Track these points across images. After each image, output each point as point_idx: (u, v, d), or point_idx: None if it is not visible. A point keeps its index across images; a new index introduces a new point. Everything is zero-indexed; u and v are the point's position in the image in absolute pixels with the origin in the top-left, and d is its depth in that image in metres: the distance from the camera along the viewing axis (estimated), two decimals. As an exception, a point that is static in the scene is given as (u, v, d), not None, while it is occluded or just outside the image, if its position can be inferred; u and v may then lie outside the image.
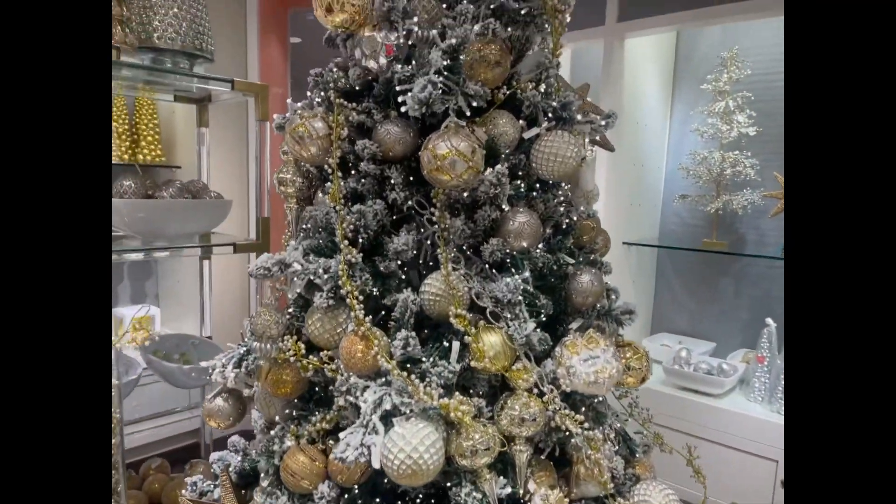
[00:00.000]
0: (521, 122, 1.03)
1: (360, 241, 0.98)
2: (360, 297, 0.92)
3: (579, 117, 1.03)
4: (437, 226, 0.97)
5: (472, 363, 0.89)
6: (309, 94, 1.09)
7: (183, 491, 1.16)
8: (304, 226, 1.12)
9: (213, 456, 1.21)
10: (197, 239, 1.57)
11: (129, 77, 1.47)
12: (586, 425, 0.90)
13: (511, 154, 1.01)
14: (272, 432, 1.02)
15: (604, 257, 1.22)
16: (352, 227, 0.97)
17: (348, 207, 0.99)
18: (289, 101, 1.09)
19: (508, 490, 0.88)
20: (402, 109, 0.92)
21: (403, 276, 1.01)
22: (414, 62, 0.96)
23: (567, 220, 1.06)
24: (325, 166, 1.00)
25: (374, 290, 0.97)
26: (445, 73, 0.93)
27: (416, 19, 0.97)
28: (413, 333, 0.90)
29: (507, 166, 0.99)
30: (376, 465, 0.81)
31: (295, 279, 0.94)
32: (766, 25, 2.64)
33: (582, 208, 1.07)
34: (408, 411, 0.84)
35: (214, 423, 1.09)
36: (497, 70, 0.93)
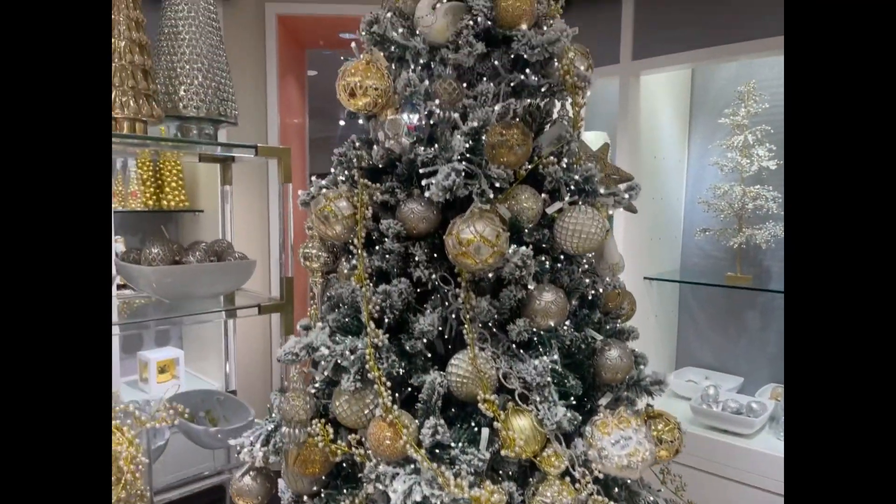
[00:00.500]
0: (543, 195, 1.03)
1: (386, 320, 0.99)
2: (388, 383, 0.92)
3: (602, 190, 1.03)
4: (462, 305, 0.97)
5: (503, 451, 0.88)
6: (333, 170, 1.11)
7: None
8: (329, 295, 1.13)
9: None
10: (222, 299, 1.59)
11: (155, 148, 1.51)
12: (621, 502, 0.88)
13: (534, 229, 1.01)
14: (301, 514, 1.02)
15: (629, 320, 1.21)
16: (378, 307, 0.97)
17: (373, 287, 0.99)
18: (313, 178, 1.10)
19: (542, 580, 0.86)
20: (427, 194, 0.93)
21: (429, 355, 1.00)
22: (436, 144, 0.97)
23: (593, 292, 1.05)
24: (350, 245, 1.01)
25: (400, 370, 0.96)
26: (468, 155, 0.94)
27: (437, 101, 0.98)
28: (441, 421, 0.89)
29: (532, 241, 0.99)
30: (408, 562, 0.80)
31: (321, 362, 0.95)
32: (782, 60, 2.63)
33: (608, 279, 1.06)
34: (438, 503, 0.83)
35: (243, 503, 1.09)
36: (519, 152, 0.94)
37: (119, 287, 2.50)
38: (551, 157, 1.02)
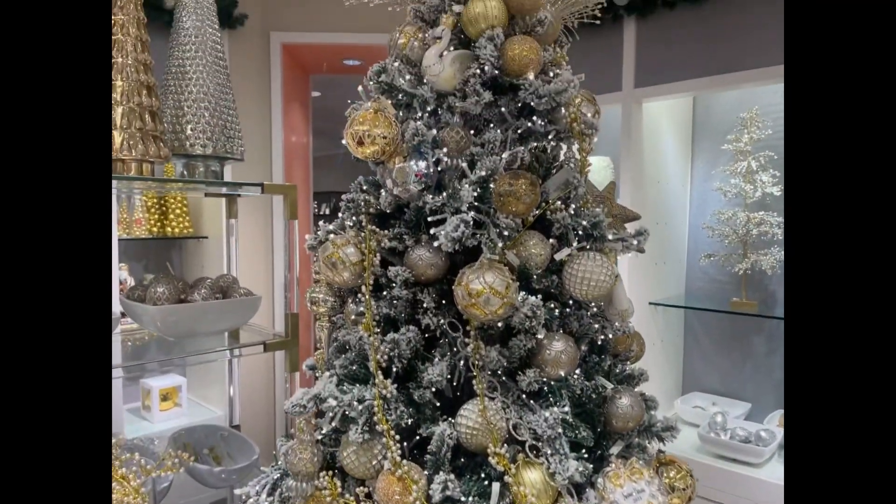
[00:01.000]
0: (551, 241, 1.03)
1: (394, 369, 0.98)
2: (396, 436, 0.91)
3: (609, 236, 1.03)
4: (471, 353, 0.97)
5: (514, 507, 0.87)
6: (341, 215, 1.11)
7: None
8: (336, 336, 1.13)
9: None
10: (227, 335, 1.58)
11: (162, 189, 1.51)
12: (635, 570, 0.87)
13: (543, 275, 1.00)
14: (308, 566, 1.00)
15: (639, 360, 1.20)
16: (385, 356, 0.97)
17: (381, 334, 0.98)
18: (321, 223, 1.10)
19: None
20: (435, 244, 0.92)
21: (437, 404, 1.00)
22: (444, 192, 0.97)
23: (602, 337, 1.04)
24: (359, 293, 1.01)
25: (408, 421, 0.96)
26: (476, 204, 0.94)
27: (445, 149, 0.98)
28: (451, 476, 0.88)
29: (541, 288, 0.98)
30: None
31: (329, 413, 0.94)
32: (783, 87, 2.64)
33: (617, 325, 1.06)
34: (449, 562, 0.82)
35: (250, 553, 1.07)
36: (527, 201, 0.94)
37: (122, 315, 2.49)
38: (559, 203, 1.02)
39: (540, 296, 0.95)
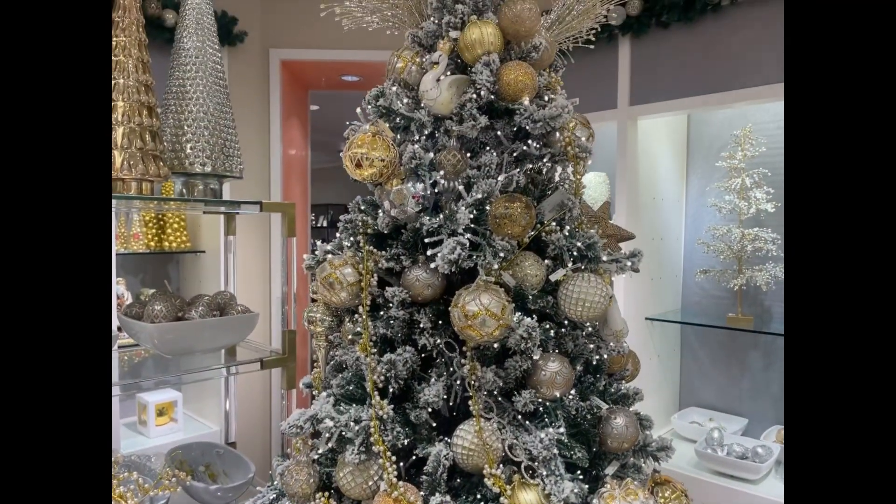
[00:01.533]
0: (546, 261, 1.04)
1: (391, 389, 0.99)
2: (393, 457, 0.91)
3: (604, 257, 1.04)
4: (467, 374, 0.97)
5: (510, 530, 0.87)
6: (339, 235, 1.12)
7: None
8: (333, 354, 1.13)
9: None
10: (223, 353, 1.58)
11: (161, 208, 1.52)
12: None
13: (538, 296, 1.02)
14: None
15: (633, 379, 1.21)
16: (382, 377, 0.97)
17: (378, 355, 0.99)
18: (319, 242, 1.11)
19: None
20: (432, 265, 0.94)
21: (434, 424, 1.00)
22: (441, 214, 0.98)
23: (597, 357, 1.05)
24: (355, 313, 1.02)
25: (405, 442, 0.96)
26: (473, 226, 0.95)
27: (441, 172, 1.00)
28: (447, 497, 0.88)
29: (536, 308, 0.99)
30: None
31: (325, 434, 0.94)
32: (779, 104, 2.68)
33: (612, 345, 1.07)
34: (445, 584, 0.82)
35: (245, 574, 1.07)
36: (523, 223, 0.95)
37: (119, 330, 2.49)
38: (554, 224, 1.04)
39: (535, 316, 0.96)
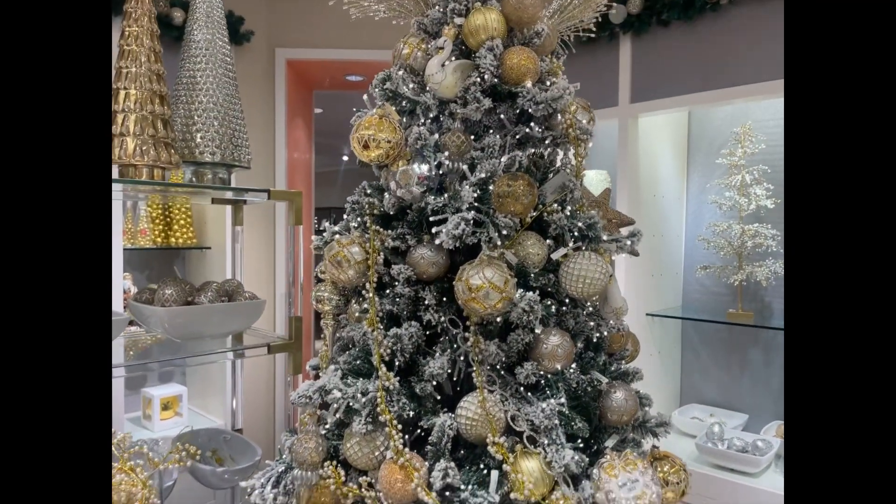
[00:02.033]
0: (548, 241, 1.07)
1: (397, 362, 1.01)
2: (398, 425, 0.94)
3: (604, 237, 1.07)
4: (470, 348, 1.00)
5: (512, 494, 0.90)
6: (346, 216, 1.15)
7: None
8: (340, 336, 1.16)
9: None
10: (230, 339, 1.61)
11: (172, 193, 1.56)
12: (629, 555, 0.89)
13: (540, 274, 1.04)
14: (311, 557, 1.03)
15: (634, 360, 1.24)
16: (388, 350, 1.00)
17: (384, 330, 1.02)
18: (327, 223, 1.15)
19: None
20: (437, 241, 0.97)
21: (438, 397, 1.03)
22: (446, 193, 1.01)
23: (597, 335, 1.08)
24: (362, 290, 1.05)
25: (410, 413, 0.99)
26: (476, 204, 0.98)
27: (446, 153, 1.03)
28: (451, 463, 0.91)
29: (538, 286, 1.02)
30: None
31: (333, 405, 0.97)
32: (778, 102, 2.71)
33: (612, 323, 1.10)
34: (449, 546, 0.85)
35: (254, 545, 1.10)
36: (525, 201, 0.98)
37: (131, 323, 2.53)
38: (555, 205, 1.07)
39: (537, 292, 0.99)
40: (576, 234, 1.07)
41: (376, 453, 0.98)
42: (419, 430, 1.03)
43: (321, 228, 1.18)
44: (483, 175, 0.99)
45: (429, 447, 0.96)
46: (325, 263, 1.09)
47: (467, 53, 1.10)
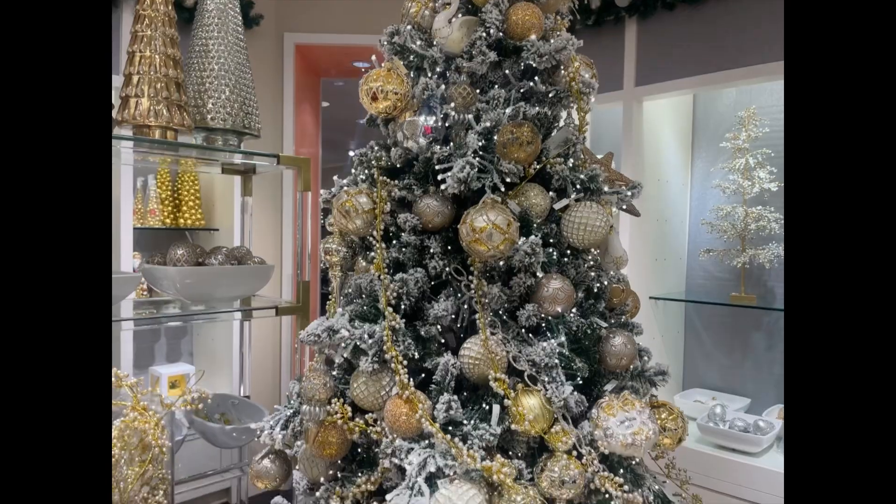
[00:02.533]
0: (551, 193, 1.10)
1: (403, 307, 1.04)
2: (404, 362, 0.97)
3: (606, 188, 1.10)
4: (474, 293, 1.03)
5: (513, 426, 0.93)
6: (354, 171, 1.18)
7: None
8: (347, 290, 1.19)
9: (257, 517, 1.24)
10: (239, 303, 1.65)
11: (186, 153, 1.60)
12: (626, 487, 0.92)
13: (543, 223, 1.07)
14: (317, 493, 1.06)
15: (634, 318, 1.26)
16: (395, 294, 1.03)
17: (391, 275, 1.05)
18: (335, 177, 1.18)
19: (551, 553, 0.89)
20: (442, 187, 1.00)
21: (443, 341, 1.06)
22: (451, 143, 1.04)
23: (598, 285, 1.10)
24: (369, 237, 1.08)
25: (416, 353, 1.02)
26: (481, 153, 1.01)
27: (452, 104, 1.06)
28: (455, 397, 0.94)
29: (540, 235, 1.05)
30: (423, 527, 0.84)
31: (341, 344, 1.00)
32: (782, 85, 2.73)
33: (612, 273, 1.12)
34: (451, 473, 0.88)
35: (262, 484, 1.13)
36: (529, 149, 1.01)
37: (147, 291, 2.57)
38: (558, 158, 1.10)
39: (540, 240, 1.02)
40: (578, 186, 1.10)
41: (382, 393, 1.01)
42: (423, 375, 1.06)
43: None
44: (488, 124, 1.02)
45: (433, 386, 0.99)
46: (334, 213, 1.12)
47: (473, 11, 1.13)
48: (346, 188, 1.11)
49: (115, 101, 1.44)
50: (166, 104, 1.41)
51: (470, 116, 1.04)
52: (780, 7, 2.33)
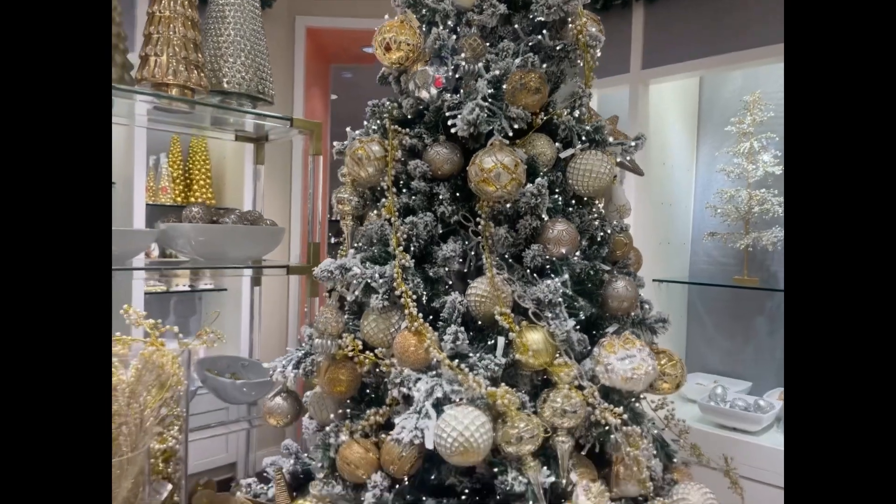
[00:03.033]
0: (557, 144, 1.13)
1: (412, 248, 1.08)
2: (413, 297, 1.01)
3: (611, 139, 1.13)
4: (481, 237, 1.07)
5: (517, 356, 0.96)
6: (366, 122, 1.22)
7: (238, 493, 1.22)
8: (358, 241, 1.23)
9: (266, 460, 1.28)
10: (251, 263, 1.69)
11: (200, 117, 1.64)
12: (625, 416, 0.95)
13: (549, 172, 1.11)
14: (327, 428, 1.10)
15: (636, 277, 1.29)
16: (405, 236, 1.07)
17: (401, 219, 1.09)
18: (348, 129, 1.22)
19: (552, 479, 0.93)
20: (452, 131, 1.03)
21: (450, 283, 1.10)
22: (461, 91, 1.08)
23: (602, 234, 1.14)
24: (381, 183, 1.12)
25: (424, 293, 1.06)
26: (490, 99, 1.05)
27: (463, 55, 1.10)
28: (461, 328, 0.98)
29: (546, 181, 1.09)
30: (430, 445, 0.88)
31: (353, 282, 1.04)
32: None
33: (615, 222, 1.16)
34: (458, 399, 0.91)
35: (274, 421, 1.17)
36: (537, 96, 1.04)
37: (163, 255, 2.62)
38: (565, 110, 1.13)
39: (546, 181, 1.05)
40: (584, 138, 1.13)
41: (391, 330, 1.05)
42: (431, 316, 1.10)
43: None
44: (497, 72, 1.06)
45: (440, 322, 1.03)
46: (346, 161, 1.16)
47: (485, -33, 1.16)
48: (358, 137, 1.15)
49: (135, 61, 1.49)
50: (185, 63, 1.46)
51: (480, 65, 1.08)
52: (786, -11, 2.36)
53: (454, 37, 1.10)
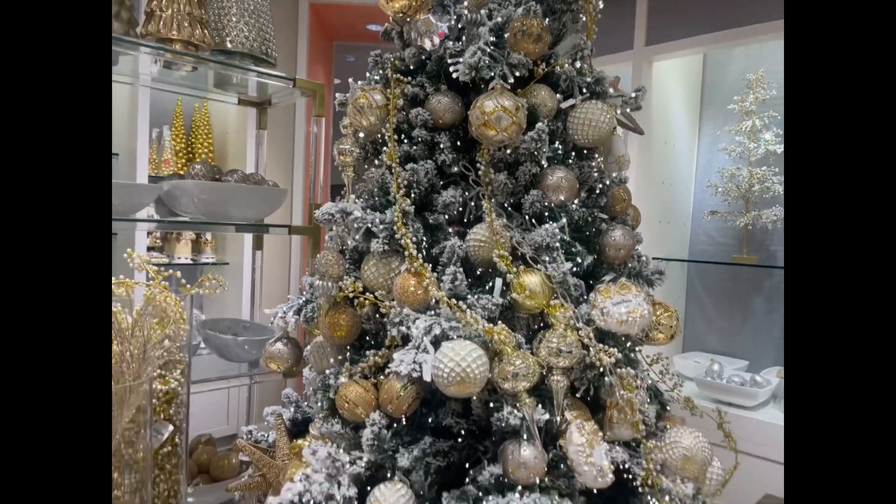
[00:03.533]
0: (557, 96, 1.14)
1: (413, 195, 1.09)
2: (413, 239, 1.02)
3: (611, 91, 1.14)
4: (481, 185, 1.08)
5: (514, 295, 0.98)
6: (368, 73, 1.23)
7: (239, 439, 1.24)
8: (359, 191, 1.24)
9: (267, 410, 1.30)
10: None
11: (202, 79, 1.65)
12: (619, 356, 0.97)
13: (550, 122, 1.12)
14: (328, 371, 1.11)
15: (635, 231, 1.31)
16: (405, 182, 1.08)
17: (402, 167, 1.10)
18: (350, 80, 1.23)
19: (546, 417, 0.94)
20: (454, 76, 1.04)
21: (450, 230, 1.11)
22: (464, 39, 1.09)
23: (601, 185, 1.15)
24: (383, 130, 1.13)
25: (424, 240, 1.07)
26: (492, 46, 1.06)
27: (465, 3, 1.11)
28: (460, 269, 0.99)
29: (547, 128, 1.10)
30: (427, 378, 0.89)
31: (354, 225, 1.05)
32: (791, 48, 2.75)
33: (614, 174, 1.17)
34: (455, 336, 0.93)
35: (275, 366, 1.18)
36: (538, 44, 1.05)
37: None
38: (567, 61, 1.14)
39: (547, 127, 1.06)
40: (584, 89, 1.14)
41: (392, 275, 1.06)
42: (431, 265, 1.11)
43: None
44: (499, 20, 1.06)
45: (440, 268, 1.04)
46: (348, 111, 1.17)
47: (488, -80, 1.16)
48: (360, 86, 1.16)
49: (140, 17, 1.50)
50: (189, 19, 1.46)
51: (483, 13, 1.08)
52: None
53: (457, -15, 1.11)
